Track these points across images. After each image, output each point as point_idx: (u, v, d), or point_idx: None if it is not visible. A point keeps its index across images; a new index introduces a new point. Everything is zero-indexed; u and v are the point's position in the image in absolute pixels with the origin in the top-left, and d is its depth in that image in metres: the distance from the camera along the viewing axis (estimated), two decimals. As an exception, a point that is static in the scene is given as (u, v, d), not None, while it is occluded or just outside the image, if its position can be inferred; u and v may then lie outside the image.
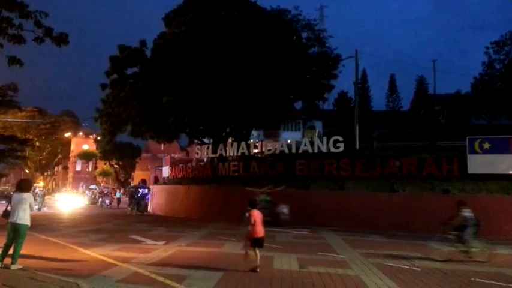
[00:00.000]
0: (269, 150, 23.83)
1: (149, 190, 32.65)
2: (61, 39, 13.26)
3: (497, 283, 7.40)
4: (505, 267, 9.17)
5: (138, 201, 27.45)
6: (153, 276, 7.50)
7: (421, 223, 16.27)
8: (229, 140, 27.42)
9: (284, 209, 17.80)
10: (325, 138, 21.60)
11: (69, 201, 37.06)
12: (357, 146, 24.48)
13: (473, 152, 16.98)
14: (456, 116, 35.50)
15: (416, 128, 37.52)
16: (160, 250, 10.61)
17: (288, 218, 17.60)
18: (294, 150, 22.00)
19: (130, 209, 27.50)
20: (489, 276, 8.02)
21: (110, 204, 35.89)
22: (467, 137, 17.39)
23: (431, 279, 7.80)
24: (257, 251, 8.17)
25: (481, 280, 7.63)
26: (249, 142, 25.14)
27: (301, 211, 18.71)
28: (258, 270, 8.00)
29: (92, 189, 49.27)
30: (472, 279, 7.75)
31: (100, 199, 38.03)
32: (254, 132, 36.73)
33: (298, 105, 31.19)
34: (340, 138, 20.64)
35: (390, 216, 17.17)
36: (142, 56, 27.22)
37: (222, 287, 6.72)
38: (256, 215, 8.40)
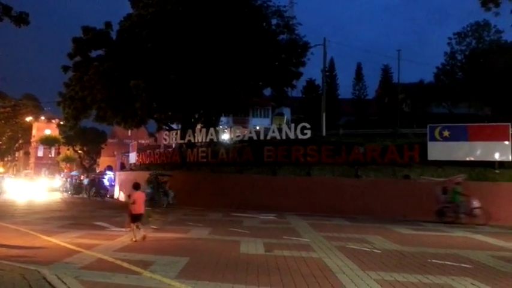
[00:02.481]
0: (238, 136, 23.90)
1: (113, 176, 32.19)
2: (21, 19, 12.68)
3: (451, 263, 7.82)
4: (459, 248, 9.69)
5: (97, 187, 27.04)
6: (118, 262, 7.44)
7: (383, 207, 16.89)
8: (198, 126, 27.23)
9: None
10: (293, 125, 21.92)
11: (34, 187, 35.54)
12: (324, 133, 24.95)
13: (434, 139, 17.72)
14: (418, 105, 36.74)
15: (380, 116, 38.58)
16: (125, 236, 10.50)
17: None
18: (262, 137, 22.17)
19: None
20: (444, 257, 8.45)
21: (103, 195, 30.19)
22: (428, 125, 18.14)
23: (390, 260, 8.15)
24: (137, 225, 9.92)
25: (437, 261, 8.03)
26: (218, 128, 25.10)
27: (269, 197, 19.00)
28: (135, 240, 9.71)
29: (74, 176, 44.27)
30: (429, 260, 8.13)
31: (93, 188, 31.22)
32: (223, 119, 36.58)
33: (267, 92, 31.28)
34: (308, 125, 21.00)
35: (354, 201, 17.72)
36: (107, 38, 26.36)
37: (188, 272, 6.76)
38: (137, 196, 10.17)
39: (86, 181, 37.60)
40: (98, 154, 64.57)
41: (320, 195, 18.29)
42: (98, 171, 50.92)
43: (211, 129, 23.52)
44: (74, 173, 53.03)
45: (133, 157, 30.69)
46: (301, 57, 27.32)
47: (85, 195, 31.88)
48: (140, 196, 10.27)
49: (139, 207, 10.04)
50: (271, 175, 20.03)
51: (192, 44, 22.57)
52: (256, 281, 6.26)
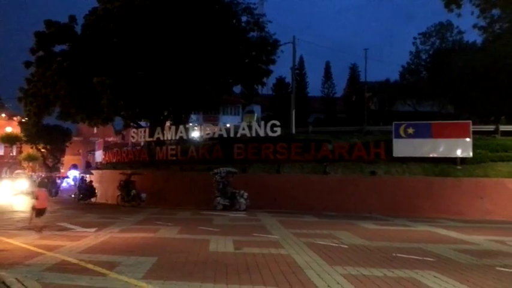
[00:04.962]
0: (208, 134, 23.74)
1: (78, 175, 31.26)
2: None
3: (415, 257, 8.07)
4: (422, 242, 10.02)
5: (50, 187, 26.27)
6: (83, 264, 7.23)
7: (351, 203, 17.23)
8: (167, 124, 26.82)
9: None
10: (263, 123, 21.96)
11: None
12: (293, 131, 25.13)
13: (399, 136, 18.23)
14: (385, 103, 37.69)
15: (348, 114, 39.32)
16: (90, 237, 10.22)
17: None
18: (232, 135, 22.13)
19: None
20: (408, 251, 8.71)
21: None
22: (393, 123, 18.66)
23: (357, 255, 8.33)
24: (40, 219, 11.46)
25: (402, 255, 8.26)
26: (187, 126, 24.79)
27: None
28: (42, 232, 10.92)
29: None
30: (394, 254, 8.35)
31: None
32: (193, 116, 36.22)
33: (237, 89, 31.20)
34: (278, 123, 21.11)
35: (323, 198, 17.99)
36: (71, 33, 25.48)
37: (156, 272, 6.64)
38: (40, 193, 11.88)
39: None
40: (62, 153, 62.47)
41: (289, 192, 18.45)
42: (61, 171, 49.23)
43: (181, 127, 23.23)
44: (76, 169, 50.48)
45: (99, 155, 29.88)
46: (271, 55, 27.38)
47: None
48: (42, 193, 12.09)
49: (42, 203, 11.57)
50: (241, 173, 20.02)
51: (160, 40, 22.18)
52: (225, 279, 6.23)
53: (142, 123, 29.13)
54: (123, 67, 22.44)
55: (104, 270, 6.71)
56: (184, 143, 23.34)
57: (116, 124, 41.54)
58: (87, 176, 24.65)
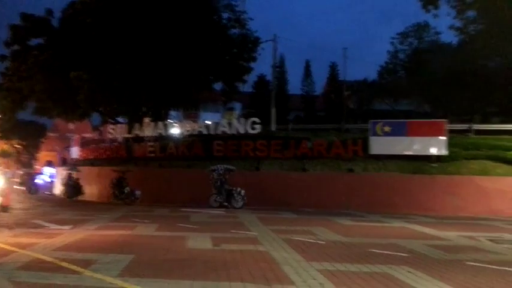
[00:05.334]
0: (188, 131, 23.61)
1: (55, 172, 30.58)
2: None
3: (390, 252, 8.25)
4: (397, 238, 10.26)
5: (29, 183, 25.74)
6: (57, 262, 7.09)
7: (329, 200, 17.48)
8: (146, 120, 26.53)
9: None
10: (243, 120, 22.02)
11: None
12: (273, 128, 25.28)
13: (375, 134, 18.59)
14: (363, 101, 38.27)
15: (327, 112, 39.78)
16: (66, 235, 10.04)
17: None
18: (212, 132, 22.10)
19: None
20: (383, 247, 8.90)
21: None
22: (371, 121, 19.00)
23: (333, 251, 8.46)
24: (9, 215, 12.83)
25: (376, 250, 8.43)
26: (167, 122, 24.60)
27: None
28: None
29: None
30: (369, 250, 8.52)
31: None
32: (173, 113, 35.90)
33: (218, 86, 31.11)
34: (258, 120, 21.23)
35: (301, 194, 18.17)
36: (48, 26, 24.96)
37: (132, 270, 6.58)
38: (8, 191, 13.24)
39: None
40: (37, 149, 61.03)
41: (269, 189, 18.55)
42: (36, 167, 48.01)
43: (160, 123, 23.03)
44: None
45: (75, 152, 29.33)
46: (252, 53, 27.41)
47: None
48: (7, 190, 14.02)
49: (6, 200, 13.35)
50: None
51: (139, 35, 21.91)
52: (203, 276, 6.23)
53: (121, 119, 28.71)
54: (101, 62, 22.10)
55: (78, 268, 6.61)
56: (164, 139, 23.17)
57: (93, 120, 40.87)
58: (74, 172, 24.05)
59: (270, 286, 5.65)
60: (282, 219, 13.96)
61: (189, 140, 22.63)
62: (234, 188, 17.73)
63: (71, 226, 11.56)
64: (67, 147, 38.73)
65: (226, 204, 17.56)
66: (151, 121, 24.82)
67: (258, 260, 7.42)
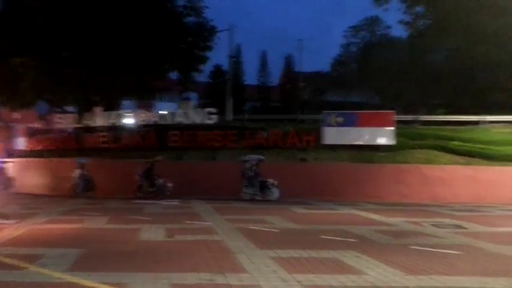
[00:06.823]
0: (143, 120, 23.07)
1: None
2: None
3: (339, 238, 8.60)
4: (346, 224, 10.69)
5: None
6: (0, 258, 6.78)
7: (283, 189, 17.75)
8: (98, 109, 25.58)
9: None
10: (199, 110, 21.90)
11: None
12: (230, 118, 25.30)
13: (329, 125, 19.18)
14: (317, 92, 39.20)
15: (283, 103, 40.36)
16: (10, 229, 9.57)
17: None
18: (168, 122, 21.78)
19: None
20: (333, 233, 9.25)
21: None
22: (324, 112, 19.58)
23: (287, 238, 8.70)
24: None
25: (327, 237, 8.76)
26: (120, 112, 23.88)
27: (174, 182, 18.71)
28: None
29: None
30: (320, 236, 8.84)
31: None
32: (128, 102, 34.87)
33: (174, 76, 30.55)
34: (214, 110, 21.20)
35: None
36: (-14, 8, 23.21)
37: (82, 264, 6.42)
38: None
39: None
40: (-22, 139, 57.04)
41: (225, 179, 18.52)
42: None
43: (113, 113, 22.36)
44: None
45: (21, 143, 27.78)
46: (208, 42, 27.08)
47: None
48: None
49: None
50: (176, 160, 19.80)
51: (89, 20, 20.97)
52: (157, 267, 6.18)
53: (70, 108, 27.49)
54: (47, 48, 20.97)
55: (24, 264, 6.35)
56: (117, 130, 22.51)
57: (41, 108, 38.75)
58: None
59: (224, 275, 5.73)
60: (238, 209, 14.09)
61: (144, 131, 22.15)
62: (268, 180, 16.79)
63: (16, 220, 11.02)
64: (11, 138, 36.53)
65: (259, 196, 16.64)
66: (104, 110, 24.01)
67: (212, 250, 7.48)
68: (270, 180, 16.84)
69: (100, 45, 21.34)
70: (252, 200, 16.50)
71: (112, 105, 25.62)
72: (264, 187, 16.82)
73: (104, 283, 5.35)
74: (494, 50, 23.33)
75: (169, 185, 17.72)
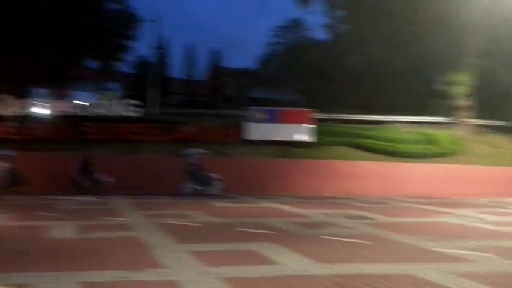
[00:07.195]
0: (60, 111, 21.56)
1: None
2: None
3: (256, 231, 8.87)
4: (266, 217, 11.11)
5: None
6: None
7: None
8: (5, 98, 23.34)
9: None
10: (120, 102, 21.10)
11: None
12: (154, 111, 24.66)
13: (251, 120, 19.76)
14: (242, 89, 39.73)
15: (208, 97, 40.31)
16: None
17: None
18: (86, 113, 20.66)
19: None
20: (251, 225, 9.54)
21: None
22: (248, 108, 20.06)
23: (206, 232, 8.80)
24: None
25: (246, 229, 9.00)
26: (31, 101, 22.08)
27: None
28: None
29: None
30: (239, 229, 9.05)
31: None
32: (42, 91, 32.25)
33: (95, 65, 28.91)
34: (136, 102, 20.59)
35: (178, 178, 18.08)
36: None
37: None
38: None
39: None
40: None
41: (146, 174, 18.11)
42: None
43: (23, 102, 20.62)
44: None
45: None
46: (130, 30, 26.07)
47: None
48: None
49: None
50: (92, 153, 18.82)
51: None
52: (67, 266, 5.83)
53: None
54: None
55: None
56: (28, 120, 20.81)
57: None
58: None
59: (140, 271, 5.64)
60: (157, 204, 13.88)
61: (59, 121, 20.77)
62: (211, 174, 16.71)
63: None
64: None
65: (201, 191, 16.41)
66: (14, 99, 21.99)
67: (129, 246, 7.32)
68: (213, 175, 16.88)
69: (8, 29, 19.50)
70: (194, 195, 16.35)
71: (22, 93, 23.53)
72: (206, 181, 16.84)
73: (5, 285, 4.99)
74: (404, 55, 25.45)
75: (108, 180, 16.79)
